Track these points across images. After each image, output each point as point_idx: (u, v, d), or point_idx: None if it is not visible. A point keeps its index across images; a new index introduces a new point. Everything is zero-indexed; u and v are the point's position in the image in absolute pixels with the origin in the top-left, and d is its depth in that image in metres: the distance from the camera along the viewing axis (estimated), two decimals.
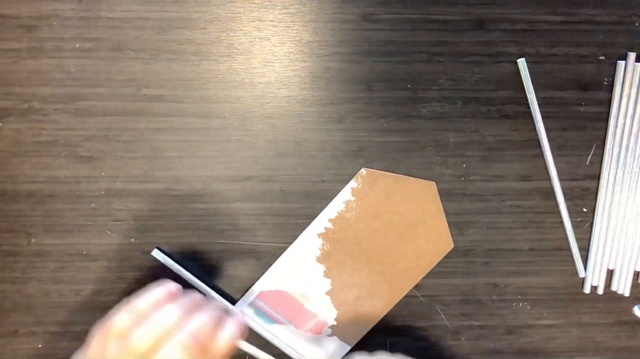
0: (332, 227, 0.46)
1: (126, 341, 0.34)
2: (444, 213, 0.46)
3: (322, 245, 0.46)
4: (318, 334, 0.47)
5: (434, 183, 0.46)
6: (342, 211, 0.45)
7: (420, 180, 0.45)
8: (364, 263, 0.46)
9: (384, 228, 0.46)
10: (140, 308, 0.36)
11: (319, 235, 0.46)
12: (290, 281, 0.46)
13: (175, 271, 0.45)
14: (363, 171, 0.45)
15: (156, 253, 0.45)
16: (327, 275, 0.46)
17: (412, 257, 0.46)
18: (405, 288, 0.47)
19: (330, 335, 0.47)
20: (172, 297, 0.37)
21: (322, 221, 0.46)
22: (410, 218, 0.46)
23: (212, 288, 0.46)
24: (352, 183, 0.45)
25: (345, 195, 0.45)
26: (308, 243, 0.46)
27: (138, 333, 0.34)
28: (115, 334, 0.34)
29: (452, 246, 0.47)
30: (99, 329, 0.36)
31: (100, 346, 0.35)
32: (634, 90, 0.45)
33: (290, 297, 0.46)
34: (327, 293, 0.47)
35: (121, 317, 0.35)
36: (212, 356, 0.35)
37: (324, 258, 0.46)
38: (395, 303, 0.47)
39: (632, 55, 0.45)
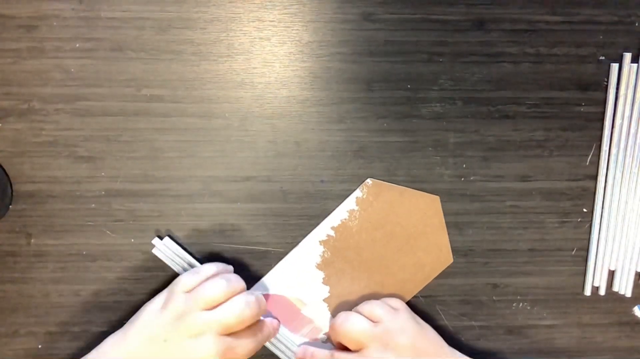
0: (334, 235, 0.46)
1: (193, 294, 0.40)
2: (445, 228, 0.46)
3: (323, 252, 0.46)
4: (313, 340, 0.47)
5: (437, 197, 0.46)
6: (345, 219, 0.45)
7: (425, 193, 0.45)
8: (363, 272, 0.46)
9: (386, 239, 0.46)
10: (203, 273, 0.42)
11: (321, 242, 0.46)
12: (289, 286, 0.46)
13: (182, 259, 0.45)
14: (369, 181, 0.45)
15: (164, 241, 0.45)
16: (326, 282, 0.46)
17: (412, 269, 0.46)
18: (402, 299, 0.47)
19: (325, 342, 0.47)
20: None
21: (324, 229, 0.46)
22: (412, 231, 0.46)
23: None
24: (357, 193, 0.45)
25: (349, 204, 0.45)
26: (309, 249, 0.46)
27: (204, 287, 0.40)
28: (182, 290, 0.40)
29: (451, 260, 0.47)
30: (168, 288, 0.42)
31: (168, 300, 0.40)
32: (630, 91, 0.45)
33: (287, 301, 0.46)
34: (324, 300, 0.47)
35: (187, 278, 0.41)
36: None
37: (324, 265, 0.46)
38: None
39: (627, 56, 0.45)
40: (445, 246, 0.46)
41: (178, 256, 0.45)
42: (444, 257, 0.47)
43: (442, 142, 0.46)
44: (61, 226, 0.45)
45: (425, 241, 0.46)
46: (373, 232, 0.46)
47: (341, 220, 0.46)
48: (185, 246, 0.46)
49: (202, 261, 0.46)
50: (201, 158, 0.45)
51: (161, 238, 0.45)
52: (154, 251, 0.45)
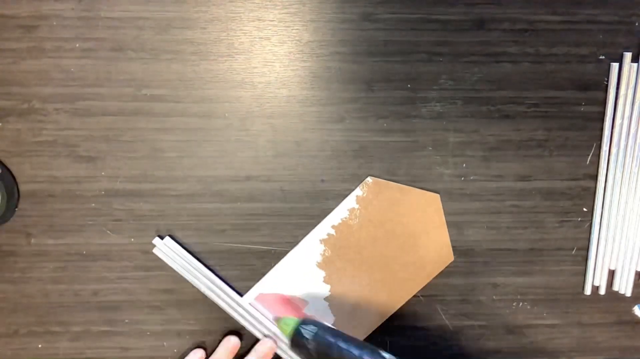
0: (334, 234, 0.46)
1: None
2: (446, 226, 0.46)
3: (324, 250, 0.46)
4: None
5: (438, 195, 0.46)
6: (345, 218, 0.45)
7: (425, 191, 0.45)
8: (364, 271, 0.46)
9: (386, 237, 0.46)
10: None
11: (321, 241, 0.46)
12: (290, 285, 0.46)
13: (183, 259, 0.45)
14: (369, 179, 0.45)
15: (165, 240, 0.45)
16: (326, 280, 0.46)
17: (412, 268, 0.46)
18: (403, 298, 0.47)
19: None
20: None
21: (325, 228, 0.46)
22: (413, 229, 0.46)
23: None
24: (357, 191, 0.45)
25: (349, 202, 0.45)
26: (310, 248, 0.46)
27: None
28: None
29: (452, 258, 0.47)
30: None
31: None
32: (630, 91, 0.45)
33: (288, 300, 0.46)
34: (325, 299, 0.47)
35: None
36: None
37: (325, 264, 0.46)
38: (392, 312, 0.47)
39: (627, 55, 0.45)
40: (446, 244, 0.46)
41: (179, 256, 0.45)
42: (445, 255, 0.47)
43: (442, 142, 0.46)
44: (61, 226, 0.45)
45: (425, 239, 0.46)
46: (373, 230, 0.46)
47: (342, 219, 0.46)
48: (186, 246, 0.46)
49: (202, 261, 0.46)
50: (201, 158, 0.45)
51: (162, 237, 0.45)
52: (155, 251, 0.45)
